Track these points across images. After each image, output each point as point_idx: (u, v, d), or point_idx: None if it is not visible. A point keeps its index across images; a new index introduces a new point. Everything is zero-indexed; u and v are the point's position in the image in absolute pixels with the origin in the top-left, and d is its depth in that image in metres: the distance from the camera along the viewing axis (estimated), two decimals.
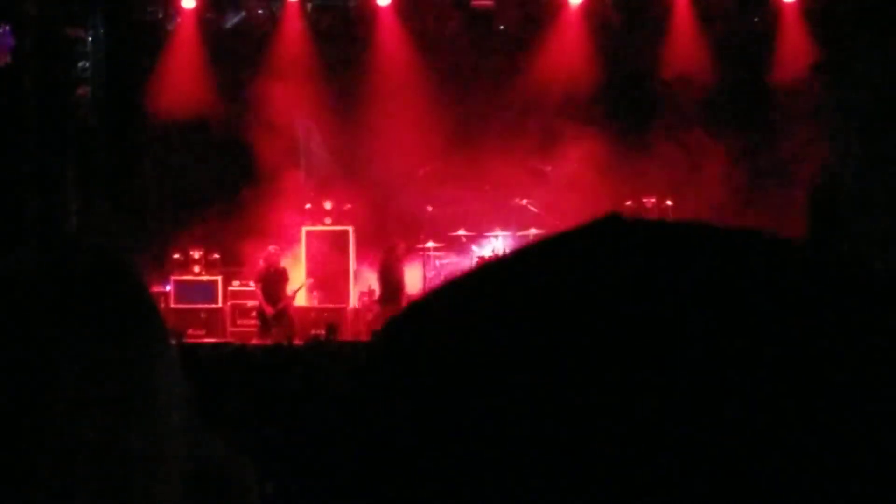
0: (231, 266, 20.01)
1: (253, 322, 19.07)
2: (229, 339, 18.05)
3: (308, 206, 20.42)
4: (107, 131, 21.06)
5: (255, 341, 17.60)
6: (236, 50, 21.30)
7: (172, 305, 19.30)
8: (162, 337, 1.25)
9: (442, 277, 19.84)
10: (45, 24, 19.80)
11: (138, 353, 1.19)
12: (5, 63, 18.46)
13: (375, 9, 21.03)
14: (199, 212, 20.55)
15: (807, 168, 19.10)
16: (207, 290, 19.57)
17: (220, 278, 19.67)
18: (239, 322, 19.32)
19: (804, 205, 18.84)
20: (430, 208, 20.29)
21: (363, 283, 20.08)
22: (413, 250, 19.94)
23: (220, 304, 19.49)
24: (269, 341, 16.94)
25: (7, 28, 18.36)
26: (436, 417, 0.77)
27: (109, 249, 1.25)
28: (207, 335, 18.56)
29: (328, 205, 20.34)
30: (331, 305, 19.62)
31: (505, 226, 20.09)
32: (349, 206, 20.39)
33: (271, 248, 19.18)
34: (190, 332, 18.56)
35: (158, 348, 1.23)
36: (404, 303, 18.73)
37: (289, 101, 20.57)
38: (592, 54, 20.75)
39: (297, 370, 10.64)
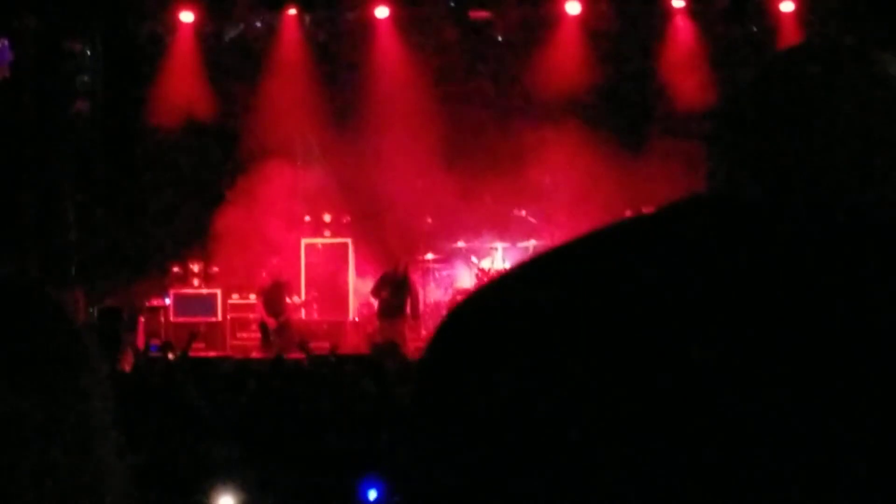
0: (231, 279, 19.98)
1: (252, 335, 19.04)
2: (229, 353, 18.03)
3: (307, 218, 20.42)
4: (106, 144, 21.07)
5: (255, 354, 17.58)
6: (235, 63, 21.30)
7: (172, 319, 19.27)
8: (77, 370, 1.15)
9: (442, 289, 19.94)
10: (44, 38, 19.81)
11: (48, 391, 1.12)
12: (4, 77, 18.46)
13: (373, 21, 21.04)
14: (198, 225, 20.55)
15: None
16: (207, 304, 19.54)
17: (219, 291, 19.63)
18: (239, 335, 19.29)
19: None
20: (429, 220, 20.29)
21: (363, 295, 20.06)
22: (413, 262, 19.93)
23: (219, 318, 19.46)
24: (270, 354, 16.90)
25: (6, 42, 18.37)
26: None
27: (22, 276, 1.19)
28: (207, 349, 18.53)
29: (327, 217, 20.34)
30: (331, 318, 19.60)
31: (504, 237, 20.08)
32: (348, 218, 20.38)
33: (274, 260, 19.17)
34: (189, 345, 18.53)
35: (71, 383, 1.14)
36: (408, 317, 18.80)
37: (287, 113, 20.56)
38: (591, 64, 20.73)
39: (302, 384, 10.63)
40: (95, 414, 1.14)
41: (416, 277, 19.78)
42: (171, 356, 15.14)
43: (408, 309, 18.88)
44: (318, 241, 20.28)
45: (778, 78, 1.31)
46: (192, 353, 16.75)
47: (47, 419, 1.10)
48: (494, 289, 0.94)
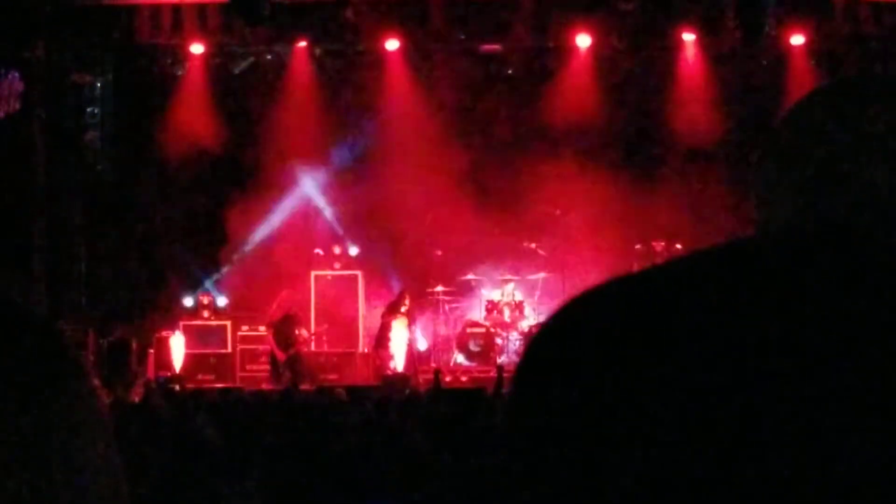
0: (241, 311, 19.99)
1: (262, 367, 19.02)
2: (239, 384, 18.00)
3: (317, 251, 20.42)
4: (115, 177, 21.10)
5: (265, 386, 17.56)
6: (245, 95, 21.33)
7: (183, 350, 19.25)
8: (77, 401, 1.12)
9: (451, 322, 19.89)
10: (53, 70, 19.86)
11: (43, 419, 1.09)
12: (15, 109, 18.51)
13: (384, 53, 21.05)
14: (208, 256, 20.58)
15: None
16: (217, 335, 19.53)
17: (229, 323, 19.63)
18: (248, 367, 19.27)
19: None
20: (438, 252, 20.25)
21: (373, 327, 20.03)
22: (421, 296, 19.91)
23: (229, 349, 19.44)
24: (280, 387, 16.89)
25: (16, 74, 18.42)
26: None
27: (26, 307, 1.14)
28: (217, 380, 18.52)
29: (337, 249, 20.34)
30: (340, 350, 19.57)
31: (514, 270, 20.04)
32: (358, 250, 20.39)
33: (285, 292, 19.15)
34: (199, 377, 18.53)
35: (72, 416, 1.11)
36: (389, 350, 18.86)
37: (297, 145, 20.59)
38: (601, 98, 20.73)
39: (308, 416, 10.58)
40: (85, 446, 1.10)
41: (425, 310, 19.79)
42: (177, 388, 15.13)
43: (410, 341, 18.96)
44: (328, 273, 20.26)
45: (832, 108, 1.28)
46: (205, 385, 16.76)
47: (27, 446, 1.06)
48: (578, 313, 0.93)
